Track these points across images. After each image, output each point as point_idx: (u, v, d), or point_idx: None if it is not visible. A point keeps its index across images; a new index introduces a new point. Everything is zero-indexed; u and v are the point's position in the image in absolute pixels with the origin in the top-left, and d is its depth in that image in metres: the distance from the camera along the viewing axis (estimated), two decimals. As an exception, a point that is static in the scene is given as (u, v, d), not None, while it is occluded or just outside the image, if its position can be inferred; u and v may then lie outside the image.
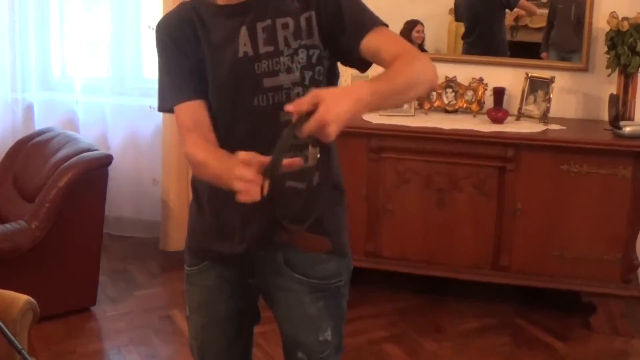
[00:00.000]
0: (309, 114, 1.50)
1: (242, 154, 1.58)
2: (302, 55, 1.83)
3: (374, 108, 1.65)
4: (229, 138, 1.86)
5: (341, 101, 1.52)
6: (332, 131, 1.49)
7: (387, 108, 1.70)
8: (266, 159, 1.56)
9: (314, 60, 1.84)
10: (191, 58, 1.87)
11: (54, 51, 4.93)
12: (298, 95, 1.80)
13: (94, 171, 3.84)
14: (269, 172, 1.55)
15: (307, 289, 1.96)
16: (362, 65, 1.87)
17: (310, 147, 1.61)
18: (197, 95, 1.87)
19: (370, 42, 1.80)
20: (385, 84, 1.65)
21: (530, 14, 4.29)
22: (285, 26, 1.83)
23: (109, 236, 4.74)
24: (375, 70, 1.85)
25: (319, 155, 1.63)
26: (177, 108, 1.88)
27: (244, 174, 1.55)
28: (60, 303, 3.77)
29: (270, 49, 1.82)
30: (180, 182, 4.61)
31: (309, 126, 1.49)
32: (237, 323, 2.08)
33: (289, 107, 1.53)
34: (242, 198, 1.56)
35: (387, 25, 1.86)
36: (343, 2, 1.83)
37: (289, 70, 1.82)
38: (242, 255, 1.94)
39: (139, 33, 4.77)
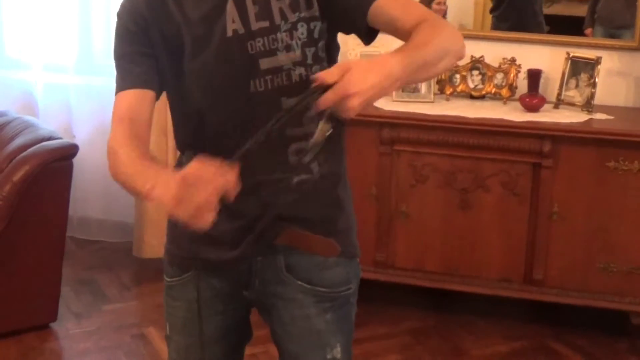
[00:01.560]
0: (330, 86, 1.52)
1: (191, 167, 1.52)
2: (302, 29, 1.83)
3: (403, 83, 1.67)
4: (220, 133, 1.86)
5: (370, 73, 1.54)
6: (355, 105, 1.50)
7: (415, 82, 1.70)
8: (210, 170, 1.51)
9: (315, 34, 1.84)
10: (153, 39, 1.86)
11: (7, 22, 4.95)
12: (301, 77, 1.81)
13: (56, 163, 3.83)
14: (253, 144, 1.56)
15: (313, 298, 1.96)
16: (368, 35, 1.87)
17: (322, 122, 1.60)
18: (145, 85, 1.86)
19: (381, 8, 1.79)
20: (415, 56, 1.65)
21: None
22: None
23: (74, 240, 4.74)
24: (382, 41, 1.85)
25: (328, 133, 1.62)
26: (117, 95, 1.88)
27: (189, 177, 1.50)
28: (14, 319, 3.77)
29: (265, 24, 1.81)
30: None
31: (329, 95, 1.50)
32: (228, 343, 2.07)
33: (315, 77, 1.54)
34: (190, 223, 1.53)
35: None
36: None
37: (288, 48, 1.82)
38: (236, 261, 1.93)
39: (108, 3, 4.77)
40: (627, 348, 3.91)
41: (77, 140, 4.39)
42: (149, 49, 1.87)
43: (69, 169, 3.90)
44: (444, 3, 4.33)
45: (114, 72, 5.24)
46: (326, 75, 1.53)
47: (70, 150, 3.89)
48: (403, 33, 1.76)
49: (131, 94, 1.86)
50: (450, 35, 1.76)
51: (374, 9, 1.80)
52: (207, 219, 1.51)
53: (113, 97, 5.20)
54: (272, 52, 1.81)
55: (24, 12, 4.86)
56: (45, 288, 3.91)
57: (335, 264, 1.98)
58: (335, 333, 1.99)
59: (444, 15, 4.31)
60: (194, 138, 1.92)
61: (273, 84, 1.82)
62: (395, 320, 4.10)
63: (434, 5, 4.28)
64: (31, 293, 3.85)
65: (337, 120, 1.58)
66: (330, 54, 1.90)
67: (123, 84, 1.88)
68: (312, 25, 1.83)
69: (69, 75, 4.81)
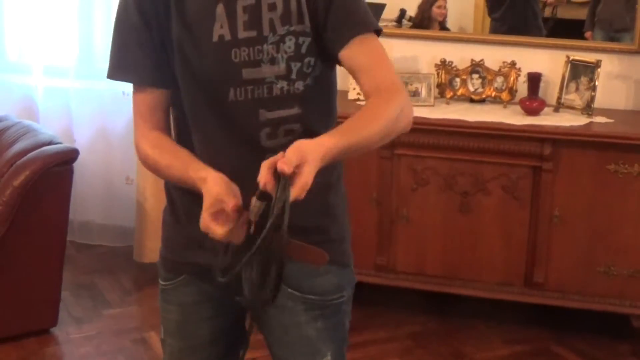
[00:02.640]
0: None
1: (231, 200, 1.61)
2: (289, 43, 1.81)
3: (337, 160, 1.68)
4: (200, 135, 1.87)
5: (311, 150, 1.56)
6: (307, 176, 1.54)
7: (352, 156, 1.72)
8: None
9: (303, 50, 1.82)
10: (156, 33, 1.85)
11: (7, 26, 4.94)
12: (282, 90, 1.81)
13: (57, 168, 3.82)
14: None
15: (303, 306, 1.96)
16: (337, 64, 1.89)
17: (255, 200, 1.62)
18: (160, 82, 1.87)
19: (351, 54, 1.80)
20: (356, 137, 1.68)
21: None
22: (272, 7, 1.80)
23: (74, 245, 4.73)
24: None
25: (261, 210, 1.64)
26: (136, 89, 1.88)
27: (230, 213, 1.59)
28: (14, 324, 3.77)
29: (253, 34, 1.80)
30: (158, 181, 4.53)
31: (294, 194, 1.54)
32: (221, 348, 2.07)
33: (282, 168, 1.54)
34: (222, 236, 1.61)
35: (379, 31, 1.84)
36: None
37: (272, 61, 1.80)
38: (226, 268, 1.92)
39: (109, 6, 4.77)
40: (629, 351, 3.91)
41: (78, 145, 4.40)
42: (151, 38, 1.85)
43: (70, 173, 3.90)
44: (444, 7, 4.33)
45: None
46: (285, 165, 1.52)
47: (71, 155, 3.89)
48: (362, 90, 1.80)
49: (148, 93, 1.87)
50: (401, 113, 1.75)
51: (346, 49, 1.80)
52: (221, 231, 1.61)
53: (114, 101, 5.17)
54: (256, 63, 1.80)
55: (24, 16, 4.87)
56: (46, 293, 3.91)
57: (326, 272, 1.96)
58: (325, 341, 1.99)
59: (444, 19, 4.31)
60: (186, 137, 1.91)
61: (253, 95, 1.81)
62: (395, 324, 4.10)
63: (434, 9, 4.28)
64: (31, 298, 3.85)
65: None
66: (326, 78, 1.91)
67: (140, 77, 1.87)
68: (300, 40, 1.81)
69: (69, 79, 4.80)
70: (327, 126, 1.91)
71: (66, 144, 4.01)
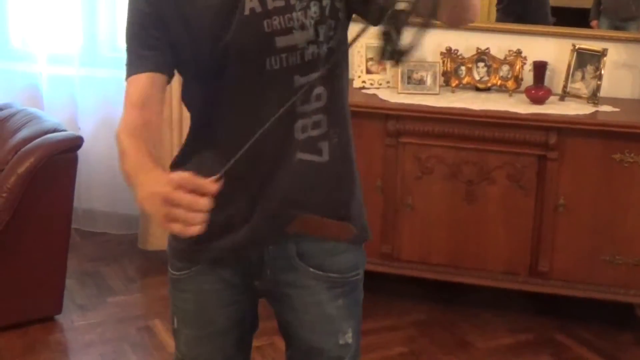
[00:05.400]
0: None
1: (176, 175, 1.56)
2: (314, 8, 1.84)
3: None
4: (232, 111, 1.87)
5: None
6: None
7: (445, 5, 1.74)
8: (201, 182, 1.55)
9: (327, 12, 1.86)
10: (168, 20, 1.85)
11: (12, 13, 4.95)
12: (313, 56, 1.84)
13: (61, 155, 3.83)
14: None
15: (325, 285, 1.98)
16: (377, 13, 1.84)
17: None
18: (156, 69, 1.86)
19: None
20: None
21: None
22: None
23: (79, 232, 4.75)
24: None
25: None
26: (129, 79, 1.88)
27: (181, 198, 1.52)
28: (19, 312, 3.78)
29: (281, 3, 1.82)
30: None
31: None
32: (237, 334, 2.08)
33: None
34: (175, 229, 1.54)
35: None
36: None
37: (302, 27, 1.83)
38: (245, 247, 1.94)
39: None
40: (633, 340, 3.93)
41: (82, 133, 4.39)
42: (161, 32, 1.86)
43: (74, 161, 3.92)
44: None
45: (119, 64, 5.21)
46: None
47: (75, 143, 3.90)
48: None
49: (143, 78, 1.86)
50: None
51: None
52: (194, 230, 1.53)
53: (118, 89, 5.18)
54: (288, 31, 1.82)
55: (28, 4, 4.87)
56: (50, 280, 3.93)
57: (345, 250, 2.00)
58: (346, 318, 2.01)
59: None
60: (209, 119, 1.91)
61: (288, 62, 1.83)
62: (400, 312, 4.12)
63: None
64: (36, 285, 3.87)
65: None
66: (344, 40, 1.92)
67: (135, 68, 1.87)
68: (324, 3, 1.85)
69: (73, 67, 4.81)
70: (346, 87, 1.97)
71: (70, 132, 4.01)
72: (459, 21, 1.90)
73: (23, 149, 3.78)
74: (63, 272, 3.96)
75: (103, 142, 4.78)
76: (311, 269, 1.96)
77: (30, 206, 3.74)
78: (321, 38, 1.85)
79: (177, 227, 1.53)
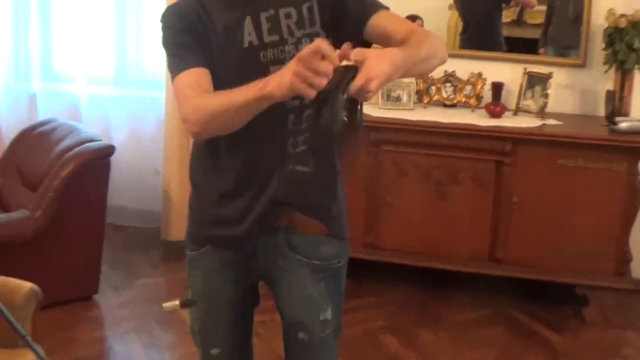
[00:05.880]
0: (353, 71, 1.56)
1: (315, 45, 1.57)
2: (305, 43, 1.83)
3: (402, 74, 1.70)
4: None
5: (383, 62, 1.59)
6: (374, 87, 1.56)
7: (411, 76, 1.76)
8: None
9: None
10: (198, 37, 1.85)
11: (56, 43, 4.91)
12: None
13: (97, 161, 3.84)
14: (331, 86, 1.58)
15: (309, 270, 1.98)
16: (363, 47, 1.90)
17: (346, 112, 1.63)
18: (201, 65, 1.83)
19: (375, 25, 1.85)
20: (412, 53, 1.72)
21: (529, 6, 4.26)
22: (288, 16, 1.85)
23: (111, 226, 4.72)
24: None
25: (345, 119, 1.65)
26: (180, 75, 1.83)
27: (306, 57, 1.54)
28: (64, 291, 3.76)
29: (275, 38, 1.84)
30: (182, 172, 4.55)
31: (356, 82, 1.54)
32: (239, 307, 2.08)
33: (341, 51, 1.56)
34: (301, 86, 1.55)
35: (388, 8, 1.90)
36: None
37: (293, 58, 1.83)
38: (243, 237, 1.95)
39: (140, 26, 4.77)
40: (572, 313, 3.93)
41: (114, 142, 4.35)
42: (194, 40, 1.85)
43: (107, 166, 3.92)
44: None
45: (144, 85, 5.21)
46: (351, 54, 1.56)
47: (108, 151, 3.90)
48: (396, 43, 1.80)
49: (194, 71, 1.82)
50: (437, 42, 1.82)
51: (370, 23, 1.84)
52: (322, 82, 1.54)
53: (144, 106, 5.13)
54: (280, 61, 1.82)
55: (70, 34, 4.85)
56: (88, 265, 3.93)
57: (327, 242, 1.99)
58: (327, 299, 2.01)
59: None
60: (216, 142, 1.91)
61: None
62: (381, 292, 4.12)
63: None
64: (77, 270, 3.87)
65: (356, 102, 1.61)
66: None
67: (182, 67, 1.83)
68: (314, 39, 1.79)
69: (107, 87, 4.78)
70: None
71: (104, 142, 4.01)
72: (429, 72, 1.94)
73: (65, 156, 3.79)
74: (99, 258, 3.96)
75: (131, 150, 4.79)
76: (297, 257, 1.97)
77: (72, 203, 3.74)
78: None
79: (303, 87, 1.55)
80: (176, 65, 1.85)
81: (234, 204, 1.93)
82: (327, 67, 1.53)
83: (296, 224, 1.95)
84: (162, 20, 1.91)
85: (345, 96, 1.59)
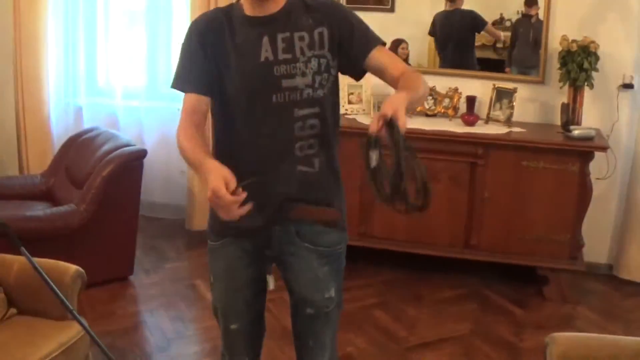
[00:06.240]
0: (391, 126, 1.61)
1: (225, 175, 1.66)
2: (314, 63, 1.85)
3: (410, 109, 1.74)
4: (247, 128, 1.88)
5: (395, 99, 1.65)
6: (403, 117, 1.61)
7: (410, 110, 1.81)
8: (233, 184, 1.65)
9: (322, 67, 1.87)
10: (209, 58, 1.87)
11: (99, 63, 4.92)
12: (309, 96, 1.86)
13: (132, 163, 3.85)
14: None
15: (315, 255, 1.98)
16: (360, 74, 1.94)
17: (371, 152, 1.69)
18: (204, 92, 1.88)
19: (375, 58, 1.88)
20: (414, 94, 1.75)
21: (496, 38, 4.27)
22: (301, 39, 1.86)
23: (144, 217, 4.71)
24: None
25: (377, 158, 1.71)
26: (186, 95, 1.90)
27: (220, 193, 1.63)
28: (104, 272, 3.78)
29: (289, 56, 1.85)
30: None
31: (402, 125, 1.60)
32: (254, 288, 2.07)
33: (372, 129, 1.64)
34: (222, 214, 1.67)
35: (385, 44, 1.93)
36: (354, 23, 1.90)
37: (303, 74, 1.85)
38: (261, 228, 1.94)
39: (169, 47, 4.77)
40: (534, 292, 3.94)
41: (146, 146, 4.40)
42: (204, 62, 1.87)
43: (141, 167, 3.93)
44: (407, 48, 4.32)
45: (171, 98, 5.19)
46: (389, 111, 1.62)
47: (141, 154, 3.92)
48: (390, 78, 1.86)
49: (195, 97, 1.88)
50: (423, 81, 1.84)
51: (371, 56, 1.87)
52: (234, 215, 1.64)
53: (172, 115, 5.11)
54: (292, 76, 1.84)
55: (109, 56, 4.86)
56: (125, 251, 3.94)
57: (330, 231, 1.99)
58: (330, 279, 2.01)
59: (407, 57, 4.31)
60: (228, 129, 1.91)
61: (289, 98, 1.85)
62: (373, 274, 4.12)
63: (400, 50, 4.26)
64: (115, 254, 3.88)
65: (398, 134, 1.63)
66: (334, 85, 1.94)
67: (190, 87, 1.89)
68: (321, 60, 1.86)
69: (140, 100, 4.79)
70: (334, 122, 1.97)
71: (138, 146, 4.02)
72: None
73: (106, 159, 3.81)
74: (133, 245, 3.98)
75: (161, 153, 4.79)
76: (305, 244, 1.97)
77: (111, 199, 3.75)
78: (316, 85, 1.86)
79: (221, 212, 1.65)
80: (183, 78, 1.91)
81: (255, 198, 1.92)
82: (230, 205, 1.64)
83: (304, 214, 1.95)
84: (189, 26, 1.93)
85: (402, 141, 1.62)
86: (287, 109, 1.85)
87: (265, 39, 1.85)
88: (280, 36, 1.85)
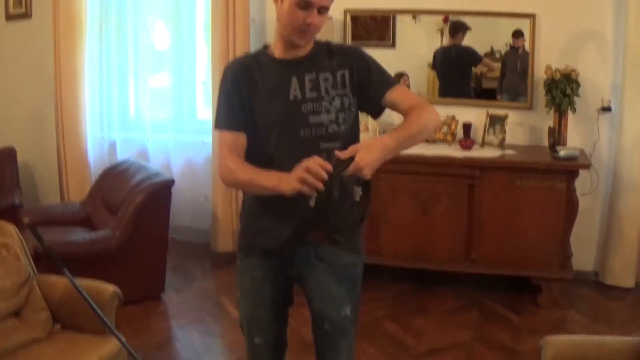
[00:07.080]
0: (346, 162, 1.67)
1: (313, 160, 1.68)
2: (337, 101, 1.89)
3: (398, 151, 1.78)
4: (275, 160, 1.88)
5: (371, 151, 1.68)
6: (367, 173, 1.67)
7: (407, 149, 1.86)
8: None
9: (345, 105, 1.92)
10: (244, 99, 1.90)
11: (131, 100, 4.96)
12: (334, 131, 1.89)
13: (161, 191, 3.88)
14: (334, 178, 1.68)
15: (332, 276, 1.98)
16: (378, 112, 1.98)
17: (354, 187, 1.72)
18: (241, 129, 1.91)
19: (390, 97, 1.92)
20: (403, 133, 1.79)
21: (490, 69, 4.32)
22: (326, 79, 1.90)
23: (173, 240, 4.65)
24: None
25: (361, 194, 1.75)
26: (225, 132, 1.91)
27: (311, 167, 1.66)
28: (138, 291, 3.77)
29: (315, 95, 1.89)
30: (226, 198, 4.57)
31: (350, 169, 1.65)
32: (278, 305, 2.07)
33: (338, 155, 1.67)
34: (304, 188, 1.66)
35: (399, 83, 1.98)
36: (371, 66, 1.94)
37: (328, 112, 1.89)
38: (283, 247, 1.95)
39: (193, 85, 4.80)
40: (529, 299, 3.91)
41: (174, 176, 4.39)
42: (239, 103, 1.91)
43: (169, 194, 3.95)
44: (408, 80, 4.33)
45: (196, 131, 5.18)
46: (341, 153, 1.66)
47: (169, 183, 3.94)
48: (402, 111, 1.89)
49: (234, 134, 1.90)
50: (429, 115, 1.87)
51: (387, 95, 1.92)
52: (318, 184, 1.66)
53: (197, 147, 5.07)
54: (317, 113, 1.88)
55: (139, 94, 4.90)
56: (156, 271, 3.95)
57: (347, 254, 1.99)
58: (346, 298, 2.01)
59: (408, 87, 4.34)
60: (260, 163, 1.89)
61: (315, 133, 1.88)
62: (382, 289, 4.09)
63: (401, 82, 4.28)
64: (148, 274, 3.89)
65: (362, 182, 1.72)
66: (355, 122, 1.98)
67: (228, 125, 1.91)
68: (344, 99, 1.91)
69: (167, 133, 4.80)
70: None
71: (166, 176, 4.04)
72: (425, 139, 2.00)
73: (137, 188, 3.84)
74: (164, 266, 3.98)
75: (187, 182, 4.79)
76: (324, 265, 1.97)
77: (143, 223, 3.77)
78: (340, 121, 1.89)
79: (305, 188, 1.66)
80: (223, 118, 1.93)
81: (276, 219, 1.94)
82: (322, 173, 1.65)
83: (320, 239, 1.92)
84: (224, 71, 1.97)
85: (345, 177, 1.68)
86: (313, 143, 1.87)
87: (294, 79, 1.89)
88: (307, 77, 1.89)
